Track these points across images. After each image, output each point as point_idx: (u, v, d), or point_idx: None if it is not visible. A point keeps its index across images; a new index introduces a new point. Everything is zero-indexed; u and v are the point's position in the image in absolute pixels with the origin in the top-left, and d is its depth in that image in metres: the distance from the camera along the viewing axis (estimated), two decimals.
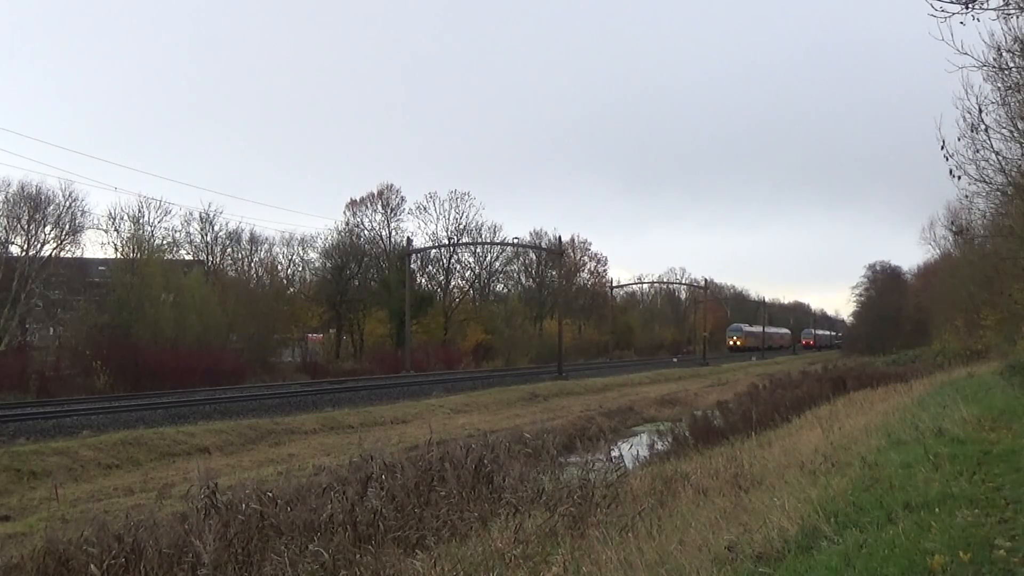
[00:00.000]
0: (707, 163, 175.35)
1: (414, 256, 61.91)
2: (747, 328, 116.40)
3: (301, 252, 65.08)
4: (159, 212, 51.15)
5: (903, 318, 66.48)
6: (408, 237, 64.01)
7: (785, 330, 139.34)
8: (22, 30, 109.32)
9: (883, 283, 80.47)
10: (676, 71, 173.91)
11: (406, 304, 52.98)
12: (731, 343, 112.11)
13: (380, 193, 69.29)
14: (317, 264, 65.93)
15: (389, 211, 69.33)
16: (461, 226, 71.52)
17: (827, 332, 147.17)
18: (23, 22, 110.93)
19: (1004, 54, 14.51)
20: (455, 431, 24.64)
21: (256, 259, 61.22)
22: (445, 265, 72.20)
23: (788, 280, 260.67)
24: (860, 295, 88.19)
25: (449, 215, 71.39)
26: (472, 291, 75.66)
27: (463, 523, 9.94)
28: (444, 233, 70.89)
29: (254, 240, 60.23)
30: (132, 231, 49.59)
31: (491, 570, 7.64)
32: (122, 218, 49.58)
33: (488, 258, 75.44)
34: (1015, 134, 17.53)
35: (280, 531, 9.64)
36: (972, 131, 15.64)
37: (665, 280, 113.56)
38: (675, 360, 78.83)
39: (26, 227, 43.36)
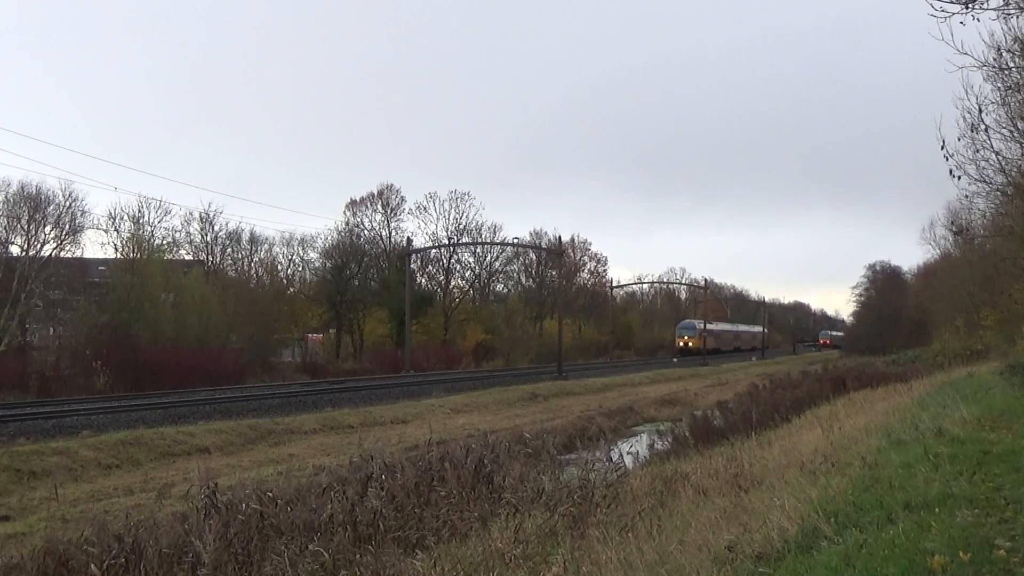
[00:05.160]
0: (711, 165, 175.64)
1: (414, 256, 61.90)
2: (703, 325, 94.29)
3: (301, 252, 65.23)
4: (159, 212, 51.26)
5: (903, 318, 66.43)
6: (408, 237, 64.15)
7: (756, 327, 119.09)
8: (23, 30, 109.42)
9: (883, 283, 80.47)
10: (683, 75, 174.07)
11: (406, 304, 52.98)
12: (681, 344, 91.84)
13: (380, 193, 69.39)
14: (317, 264, 66.08)
15: (389, 211, 69.41)
16: (461, 226, 71.61)
17: (840, 333, 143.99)
18: (24, 22, 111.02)
19: (1004, 54, 14.49)
20: (455, 431, 24.64)
21: (256, 259, 61.35)
22: (445, 265, 72.25)
23: (788, 280, 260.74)
24: (860, 295, 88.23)
25: (449, 215, 71.49)
26: (472, 291, 75.64)
27: (463, 523, 9.94)
28: (444, 233, 70.99)
29: (254, 240, 60.37)
30: (132, 231, 49.68)
31: (491, 570, 7.64)
32: (122, 218, 49.69)
33: (488, 258, 75.51)
34: (1015, 134, 17.51)
35: (280, 531, 9.64)
36: (972, 131, 15.61)
37: (665, 280, 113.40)
38: (675, 360, 78.73)
39: (26, 227, 43.36)
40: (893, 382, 25.49)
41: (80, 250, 47.81)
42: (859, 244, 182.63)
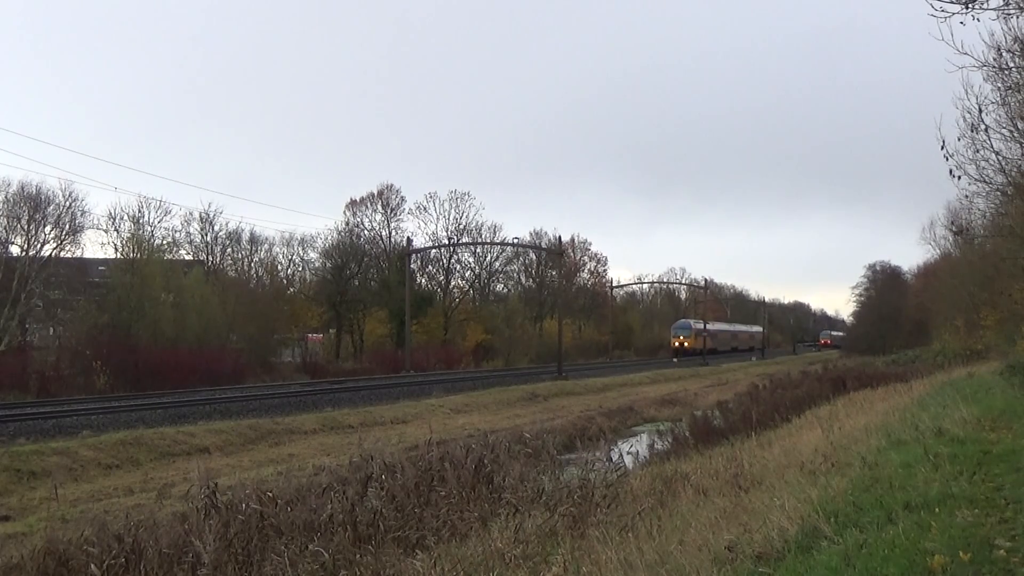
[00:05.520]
0: (712, 165, 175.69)
1: (414, 256, 61.89)
2: (699, 325, 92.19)
3: (301, 252, 65.20)
4: (159, 212, 51.23)
5: (903, 318, 66.44)
6: (408, 237, 64.11)
7: (754, 327, 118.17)
8: (23, 30, 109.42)
9: (883, 283, 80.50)
10: (683, 75, 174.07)
11: (406, 304, 52.98)
12: (676, 344, 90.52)
13: (380, 193, 69.37)
14: (317, 264, 66.06)
15: (389, 211, 69.39)
16: (461, 226, 71.58)
17: (841, 333, 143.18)
18: (24, 22, 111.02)
19: (1004, 54, 14.50)
20: (455, 431, 24.64)
21: (256, 259, 61.29)
22: (445, 265, 72.22)
23: (788, 280, 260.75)
24: (860, 295, 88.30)
25: (449, 215, 71.47)
26: (472, 291, 75.63)
27: (463, 523, 9.94)
28: (444, 233, 70.96)
29: (254, 240, 60.32)
30: (132, 231, 49.63)
31: (491, 570, 7.64)
32: (122, 218, 49.62)
33: (488, 258, 75.48)
34: (1015, 134, 17.51)
35: (280, 531, 9.64)
36: (972, 131, 15.63)
37: (665, 280, 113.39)
38: (675, 360, 78.69)
39: (26, 227, 43.35)
40: (893, 382, 25.50)
41: (80, 250, 47.88)
42: (859, 244, 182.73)
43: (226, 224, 60.00)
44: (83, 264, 48.68)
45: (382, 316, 64.28)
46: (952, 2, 8.79)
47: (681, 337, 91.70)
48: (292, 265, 65.30)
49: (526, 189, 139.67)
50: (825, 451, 10.63)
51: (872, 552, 5.30)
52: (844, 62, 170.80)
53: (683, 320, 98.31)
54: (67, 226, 44.83)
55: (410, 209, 70.64)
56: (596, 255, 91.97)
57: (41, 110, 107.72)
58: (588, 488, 10.25)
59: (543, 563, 7.58)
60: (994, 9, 9.83)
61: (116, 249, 49.29)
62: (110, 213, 49.58)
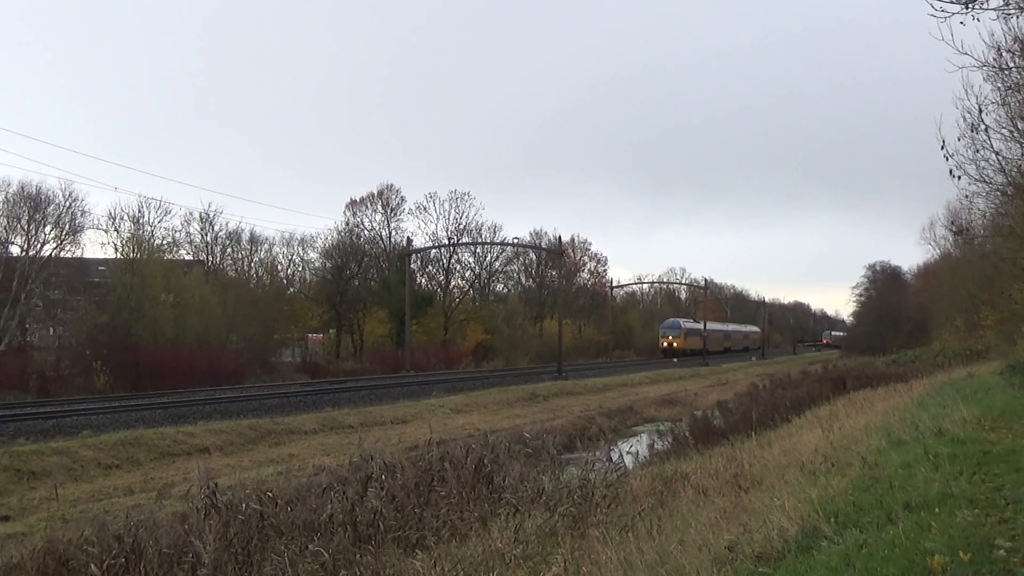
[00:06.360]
0: (712, 166, 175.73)
1: (414, 256, 61.87)
2: (689, 324, 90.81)
3: (301, 252, 65.30)
4: (159, 212, 51.31)
5: (903, 318, 66.40)
6: (408, 237, 64.14)
7: (749, 327, 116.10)
8: (23, 30, 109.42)
9: (883, 283, 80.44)
10: (684, 76, 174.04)
11: (406, 304, 52.96)
12: (665, 344, 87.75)
13: (380, 193, 69.40)
14: (317, 264, 66.13)
15: (389, 211, 69.42)
16: (461, 226, 71.64)
17: (842, 333, 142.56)
18: (25, 22, 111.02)
19: (1004, 54, 14.50)
20: (455, 431, 24.64)
21: (256, 259, 61.41)
22: (445, 265, 72.25)
23: (788, 280, 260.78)
24: (860, 295, 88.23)
25: (449, 215, 71.51)
26: (472, 291, 75.64)
27: (463, 523, 9.94)
28: (444, 233, 71.02)
29: (254, 240, 60.45)
30: (132, 231, 49.69)
31: (491, 570, 7.64)
32: (122, 218, 49.69)
33: (488, 258, 75.53)
34: (1015, 134, 17.51)
35: (280, 531, 9.63)
36: (972, 131, 15.61)
37: (665, 280, 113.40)
38: (675, 360, 78.65)
39: (26, 227, 43.39)
40: (893, 382, 25.50)
41: (80, 250, 47.97)
42: (859, 244, 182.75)
43: (226, 224, 60.23)
44: (83, 264, 48.71)
45: (382, 316, 64.28)
46: (952, 2, 8.79)
47: (670, 337, 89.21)
48: (292, 265, 65.52)
49: (526, 189, 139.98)
50: (825, 451, 10.63)
51: (872, 552, 5.30)
52: (844, 62, 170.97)
53: (672, 319, 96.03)
54: (67, 226, 44.94)
55: (410, 209, 70.83)
56: (596, 255, 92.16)
57: (41, 110, 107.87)
58: (588, 488, 10.25)
59: (543, 563, 7.57)
60: (994, 9, 9.83)
61: (116, 249, 49.40)
62: (110, 213, 49.74)
